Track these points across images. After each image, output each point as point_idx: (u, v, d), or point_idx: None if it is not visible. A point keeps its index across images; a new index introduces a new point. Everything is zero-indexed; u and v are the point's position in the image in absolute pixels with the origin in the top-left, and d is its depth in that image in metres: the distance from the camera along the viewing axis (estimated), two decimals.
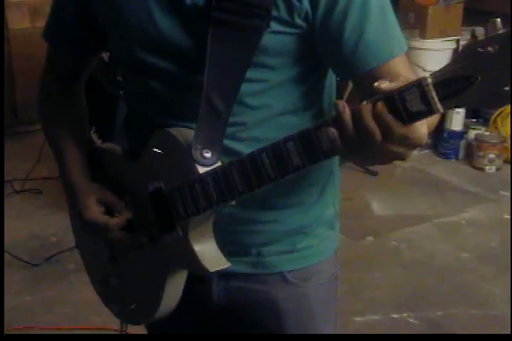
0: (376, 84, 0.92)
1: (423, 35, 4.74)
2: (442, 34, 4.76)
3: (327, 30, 1.12)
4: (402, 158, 0.96)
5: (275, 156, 1.02)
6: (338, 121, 0.94)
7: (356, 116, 0.92)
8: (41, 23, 1.39)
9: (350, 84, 1.23)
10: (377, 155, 0.95)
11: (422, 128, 0.92)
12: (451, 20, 4.77)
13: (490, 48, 0.83)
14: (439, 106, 0.85)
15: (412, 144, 0.93)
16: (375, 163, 1.00)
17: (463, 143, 4.64)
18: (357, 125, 0.92)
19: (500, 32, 0.84)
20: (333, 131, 0.94)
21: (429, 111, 0.86)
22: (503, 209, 3.93)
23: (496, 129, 4.63)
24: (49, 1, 1.35)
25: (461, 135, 4.64)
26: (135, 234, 1.27)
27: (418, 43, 4.67)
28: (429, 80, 0.85)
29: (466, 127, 4.70)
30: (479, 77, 0.83)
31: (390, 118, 0.89)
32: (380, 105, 0.90)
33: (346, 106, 0.93)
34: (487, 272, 3.29)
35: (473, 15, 4.87)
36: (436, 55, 4.75)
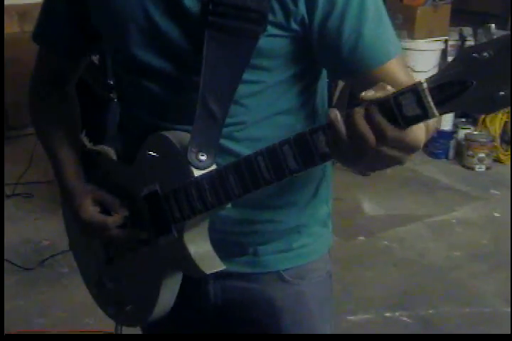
0: (362, 94, 0.91)
1: (411, 36, 4.76)
2: (430, 34, 4.78)
3: (325, 34, 1.12)
4: (398, 162, 0.95)
5: (271, 159, 1.02)
6: (331, 128, 0.94)
7: (349, 121, 0.91)
8: (30, 28, 1.38)
9: (340, 83, 1.23)
10: (373, 160, 0.94)
11: (418, 131, 0.91)
12: (439, 20, 4.80)
13: (485, 54, 0.83)
14: (434, 110, 0.86)
15: (408, 148, 0.92)
16: (372, 169, 0.99)
17: (453, 142, 4.67)
18: (350, 130, 0.91)
19: (495, 37, 0.84)
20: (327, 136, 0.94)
21: (425, 115, 0.87)
22: (493, 208, 3.97)
23: (485, 128, 4.66)
24: (38, 6, 1.34)
25: (450, 134, 4.67)
26: (134, 230, 1.28)
27: (406, 44, 4.69)
28: (425, 85, 0.85)
29: (456, 127, 4.73)
30: (474, 82, 0.83)
31: (383, 121, 0.89)
32: (372, 109, 0.90)
33: (338, 114, 0.93)
34: (478, 270, 3.31)
35: (460, 15, 4.91)
36: (424, 55, 4.77)
